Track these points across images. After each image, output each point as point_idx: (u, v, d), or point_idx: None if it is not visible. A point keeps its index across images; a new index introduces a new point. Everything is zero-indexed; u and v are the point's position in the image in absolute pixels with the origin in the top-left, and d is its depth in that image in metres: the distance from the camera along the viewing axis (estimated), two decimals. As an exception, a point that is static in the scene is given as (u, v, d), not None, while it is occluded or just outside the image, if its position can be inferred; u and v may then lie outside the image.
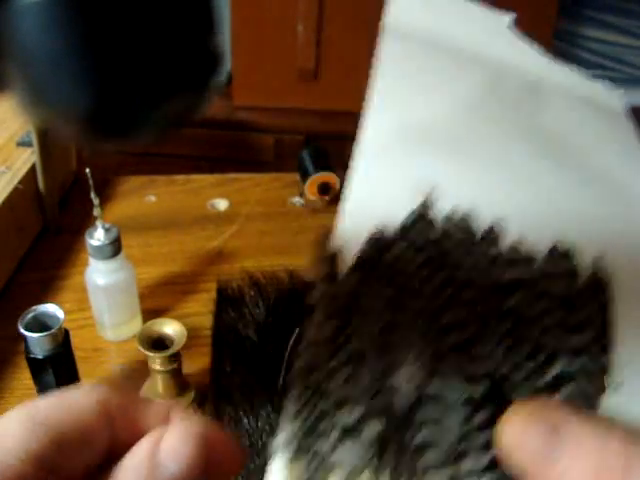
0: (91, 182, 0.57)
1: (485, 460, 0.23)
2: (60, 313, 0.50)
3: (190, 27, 0.24)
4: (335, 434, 0.25)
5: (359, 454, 0.24)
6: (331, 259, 0.29)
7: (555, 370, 0.24)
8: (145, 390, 0.58)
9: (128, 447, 0.22)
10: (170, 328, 0.54)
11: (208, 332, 0.66)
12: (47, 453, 0.20)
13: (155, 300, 0.70)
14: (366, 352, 0.26)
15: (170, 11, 0.23)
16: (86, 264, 0.62)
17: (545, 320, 0.25)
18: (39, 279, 0.72)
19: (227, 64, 1.34)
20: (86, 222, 0.72)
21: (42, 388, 0.52)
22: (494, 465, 0.23)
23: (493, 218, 0.27)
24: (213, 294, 0.70)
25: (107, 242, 0.59)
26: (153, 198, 0.89)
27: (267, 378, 0.57)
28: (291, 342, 0.59)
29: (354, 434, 0.25)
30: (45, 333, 0.48)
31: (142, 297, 0.67)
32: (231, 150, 1.38)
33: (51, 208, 0.78)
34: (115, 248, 0.60)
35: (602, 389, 0.24)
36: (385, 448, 0.24)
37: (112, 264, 0.60)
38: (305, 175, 0.87)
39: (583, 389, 0.24)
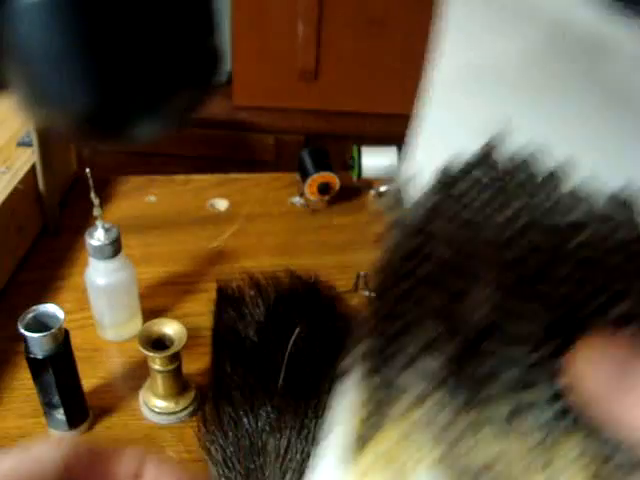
0: (91, 182, 0.57)
1: (550, 391, 0.23)
2: (60, 313, 0.50)
3: (190, 26, 0.24)
4: (403, 358, 0.25)
5: (426, 379, 0.24)
6: (399, 193, 0.29)
7: (624, 307, 0.24)
8: (145, 390, 0.58)
9: None
10: (170, 328, 0.54)
11: (208, 332, 0.66)
12: None
13: (155, 300, 0.70)
14: (437, 277, 0.26)
15: (170, 10, 0.23)
16: (86, 264, 0.62)
17: (609, 261, 0.25)
18: (39, 279, 0.72)
19: (227, 64, 1.34)
20: (86, 222, 0.72)
21: (42, 388, 0.52)
22: (559, 397, 0.23)
23: (558, 160, 0.28)
24: (213, 294, 0.70)
25: (107, 242, 0.59)
26: (153, 198, 0.89)
27: (267, 378, 0.57)
28: (291, 342, 0.59)
29: (422, 359, 0.25)
30: (45, 333, 0.48)
31: (142, 297, 0.67)
32: (231, 150, 1.38)
33: (51, 208, 0.78)
34: (115, 248, 0.60)
35: None
36: (452, 375, 0.24)
37: (112, 264, 0.60)
38: (305, 175, 0.87)
39: None
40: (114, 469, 0.23)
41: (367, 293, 0.73)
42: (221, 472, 0.52)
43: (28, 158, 0.75)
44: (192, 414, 0.57)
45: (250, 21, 1.29)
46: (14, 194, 0.70)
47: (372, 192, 0.91)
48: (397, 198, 0.29)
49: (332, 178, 0.86)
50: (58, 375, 0.51)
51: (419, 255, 0.27)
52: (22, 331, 0.48)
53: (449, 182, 0.28)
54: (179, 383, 0.56)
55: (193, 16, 0.24)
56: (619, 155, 0.29)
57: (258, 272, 0.73)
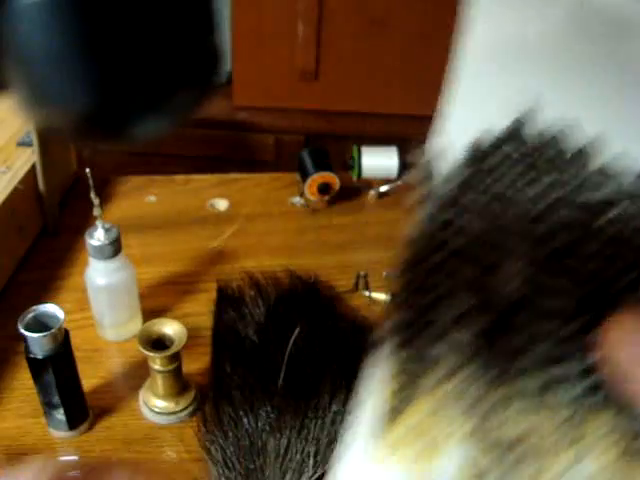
0: (91, 182, 0.57)
1: (581, 367, 0.23)
2: (60, 313, 0.50)
3: (190, 26, 0.24)
4: (434, 330, 0.25)
5: (457, 352, 0.24)
6: (430, 165, 0.29)
7: None
8: (145, 390, 0.58)
9: None
10: (170, 328, 0.54)
11: (208, 332, 0.66)
12: None
13: (155, 300, 0.70)
14: (469, 250, 0.26)
15: (170, 10, 0.23)
16: (86, 264, 0.62)
17: (639, 239, 0.25)
18: (39, 279, 0.72)
19: (227, 64, 1.34)
20: (86, 222, 0.72)
21: (42, 388, 0.52)
22: (589, 372, 0.23)
23: (587, 137, 0.28)
24: (213, 294, 0.70)
25: (107, 242, 0.59)
26: (153, 198, 0.89)
27: (267, 378, 0.57)
28: (291, 342, 0.59)
29: (453, 331, 0.25)
30: (45, 333, 0.48)
31: (142, 297, 0.67)
32: (231, 150, 1.38)
33: (51, 208, 0.78)
34: (115, 248, 0.60)
35: None
36: (483, 348, 0.24)
37: (112, 264, 0.60)
38: (305, 175, 0.87)
39: None
40: None
41: (367, 293, 0.73)
42: (221, 472, 0.52)
43: (28, 158, 0.75)
44: (192, 414, 0.57)
45: (250, 21, 1.29)
46: (14, 194, 0.70)
47: (372, 192, 0.91)
48: (428, 171, 0.29)
49: (332, 178, 0.86)
50: (58, 375, 0.51)
51: (451, 228, 0.27)
52: (22, 331, 0.48)
53: (480, 156, 0.28)
54: (179, 383, 0.56)
55: (193, 16, 0.24)
56: None
57: (258, 272, 0.73)
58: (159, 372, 0.54)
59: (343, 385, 0.56)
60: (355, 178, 0.89)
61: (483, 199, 0.27)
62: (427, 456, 0.24)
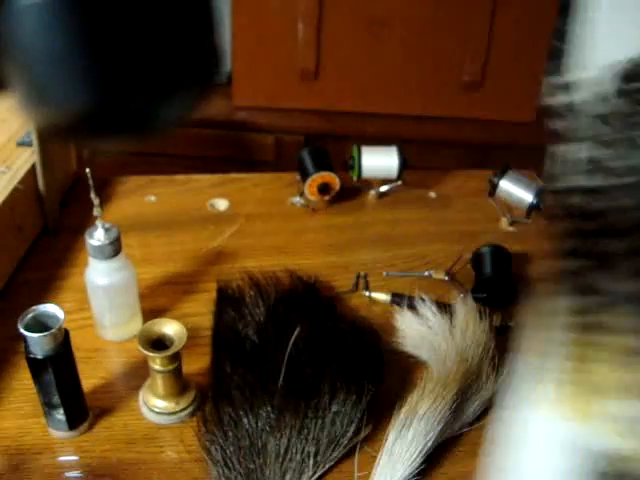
0: (91, 182, 0.57)
1: None
2: (60, 313, 0.50)
3: (190, 26, 0.24)
4: (614, 284, 0.24)
5: (629, 321, 0.23)
6: (571, 91, 0.28)
7: None
8: (145, 390, 0.58)
9: None
10: (170, 328, 0.54)
11: (208, 332, 0.66)
12: None
13: (155, 300, 0.70)
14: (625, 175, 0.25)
15: (170, 10, 0.23)
16: (86, 264, 0.62)
17: None
18: (39, 279, 0.72)
19: (227, 64, 1.34)
20: (86, 222, 0.72)
21: (42, 388, 0.52)
22: None
23: None
24: (213, 294, 0.70)
25: (107, 242, 0.59)
26: (153, 198, 0.89)
27: (267, 378, 0.57)
28: (291, 342, 0.59)
29: (634, 285, 0.24)
30: (45, 333, 0.48)
31: (142, 297, 0.67)
32: (231, 150, 1.38)
33: (51, 208, 0.78)
34: (115, 248, 0.60)
35: None
36: None
37: (112, 264, 0.60)
38: (305, 175, 0.87)
39: None
40: None
41: (367, 293, 0.73)
42: (221, 472, 0.52)
43: (28, 158, 0.76)
44: (192, 414, 0.57)
45: (250, 21, 1.29)
46: (14, 194, 0.70)
47: (372, 192, 0.91)
48: (571, 104, 0.28)
49: (332, 178, 0.86)
50: (58, 375, 0.51)
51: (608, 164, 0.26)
52: (22, 331, 0.48)
53: (628, 86, 0.27)
54: (179, 383, 0.56)
55: (193, 15, 0.24)
56: None
57: (258, 272, 0.73)
58: (159, 372, 0.54)
59: (343, 385, 0.56)
60: (355, 178, 0.89)
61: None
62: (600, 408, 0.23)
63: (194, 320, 0.67)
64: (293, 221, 0.86)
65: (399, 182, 0.90)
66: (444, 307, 0.67)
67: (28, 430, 0.56)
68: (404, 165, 0.88)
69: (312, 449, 0.53)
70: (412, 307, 0.69)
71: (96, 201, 0.58)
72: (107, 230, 0.59)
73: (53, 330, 0.49)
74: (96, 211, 0.58)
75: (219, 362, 0.61)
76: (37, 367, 0.50)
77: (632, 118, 0.26)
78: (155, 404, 0.57)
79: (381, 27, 1.28)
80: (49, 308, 0.50)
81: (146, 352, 0.53)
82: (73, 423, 0.54)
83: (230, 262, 0.77)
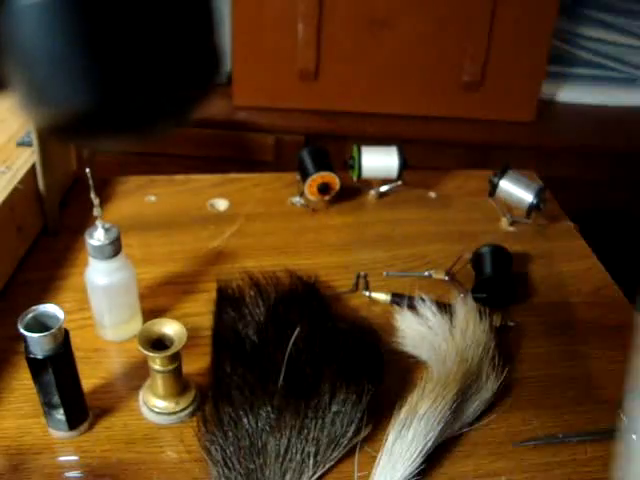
0: (91, 182, 0.57)
1: None
2: (60, 313, 0.50)
3: (190, 26, 0.24)
4: None
5: None
6: None
7: None
8: (145, 390, 0.58)
9: None
10: (170, 328, 0.54)
11: (208, 332, 0.66)
12: None
13: (155, 300, 0.70)
14: None
15: (170, 10, 0.23)
16: (86, 264, 0.62)
17: None
18: (39, 279, 0.72)
19: (227, 64, 1.34)
20: (86, 222, 0.72)
21: (42, 388, 0.52)
22: None
23: None
24: (213, 294, 0.70)
25: (107, 242, 0.59)
26: (153, 198, 0.89)
27: (267, 378, 0.57)
28: (291, 342, 0.59)
29: None
30: (45, 333, 0.48)
31: (142, 297, 0.67)
32: (231, 150, 1.38)
33: (51, 208, 0.78)
34: (115, 248, 0.60)
35: None
36: None
37: (112, 264, 0.60)
38: (305, 175, 0.87)
39: None
40: None
41: (367, 293, 0.73)
42: (221, 472, 0.52)
43: (28, 158, 0.76)
44: (192, 414, 0.57)
45: (250, 21, 1.28)
46: (14, 194, 0.70)
47: (372, 192, 0.91)
48: None
49: (332, 178, 0.86)
50: (58, 375, 0.51)
51: None
52: (22, 331, 0.48)
53: None
54: (179, 383, 0.56)
55: (193, 16, 0.24)
56: None
57: (258, 272, 0.73)
58: (159, 372, 0.54)
59: (343, 385, 0.56)
60: (355, 178, 0.89)
61: None
62: None
63: (194, 320, 0.67)
64: (293, 221, 0.86)
65: (399, 182, 0.90)
66: (444, 307, 0.67)
67: (28, 430, 0.56)
68: (404, 165, 0.88)
69: (312, 449, 0.53)
70: (412, 307, 0.69)
71: (96, 201, 0.58)
72: (107, 230, 0.59)
73: (53, 330, 0.49)
74: (96, 211, 0.58)
75: (219, 362, 0.61)
76: (37, 367, 0.50)
77: None
78: (155, 404, 0.57)
79: (381, 27, 1.28)
80: (49, 308, 0.50)
81: (146, 352, 0.53)
82: (73, 423, 0.54)
83: (230, 262, 0.77)
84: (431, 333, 0.64)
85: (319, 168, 0.86)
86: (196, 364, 0.62)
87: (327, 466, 0.53)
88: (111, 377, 0.61)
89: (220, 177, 0.95)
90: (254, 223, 0.85)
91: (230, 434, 0.54)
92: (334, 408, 0.55)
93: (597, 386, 0.63)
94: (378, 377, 0.59)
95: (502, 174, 0.86)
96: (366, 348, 0.62)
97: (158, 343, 0.54)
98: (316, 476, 0.52)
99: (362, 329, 0.65)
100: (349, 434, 0.54)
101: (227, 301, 0.69)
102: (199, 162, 1.36)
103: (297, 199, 0.89)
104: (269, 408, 0.55)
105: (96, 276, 0.61)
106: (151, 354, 0.53)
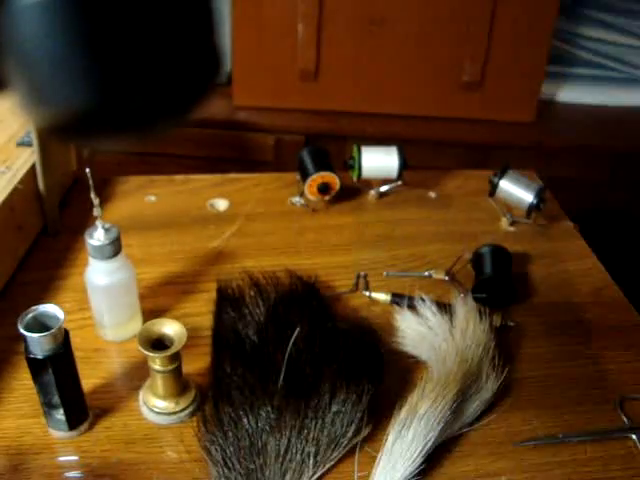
0: (91, 182, 0.57)
1: None
2: (60, 313, 0.50)
3: (190, 26, 0.24)
4: None
5: None
6: None
7: None
8: (145, 390, 0.58)
9: None
10: (170, 328, 0.54)
11: (208, 332, 0.66)
12: None
13: (155, 300, 0.70)
14: None
15: (170, 10, 0.23)
16: (86, 264, 0.62)
17: None
18: (39, 279, 0.72)
19: (227, 64, 1.34)
20: (86, 222, 0.72)
21: (42, 388, 0.52)
22: None
23: None
24: (213, 294, 0.70)
25: (107, 242, 0.59)
26: (153, 198, 0.89)
27: (267, 378, 0.57)
28: (291, 342, 0.59)
29: None
30: (45, 333, 0.48)
31: (142, 297, 0.67)
32: (231, 150, 1.38)
33: (51, 208, 0.78)
34: (115, 248, 0.60)
35: None
36: None
37: (112, 264, 0.60)
38: (305, 175, 0.87)
39: None
40: None
41: (367, 293, 0.73)
42: (221, 472, 0.52)
43: (28, 158, 0.76)
44: (192, 414, 0.57)
45: (250, 21, 1.29)
46: (14, 194, 0.70)
47: (372, 192, 0.91)
48: None
49: (332, 178, 0.86)
50: (58, 375, 0.51)
51: None
52: (22, 331, 0.48)
53: None
54: (179, 383, 0.56)
55: (193, 16, 0.24)
56: None
57: (258, 272, 0.73)
58: (159, 372, 0.54)
59: (343, 385, 0.56)
60: (355, 178, 0.89)
61: None
62: None
63: (194, 320, 0.67)
64: (293, 221, 0.86)
65: (399, 182, 0.90)
66: (444, 307, 0.67)
67: (28, 430, 0.56)
68: (404, 165, 0.88)
69: (312, 449, 0.53)
70: (412, 307, 0.69)
71: (96, 201, 0.58)
72: (107, 230, 0.59)
73: (53, 330, 0.49)
74: (96, 211, 0.58)
75: (219, 362, 0.61)
76: (37, 367, 0.50)
77: None
78: (155, 404, 0.57)
79: (381, 27, 1.28)
80: (49, 308, 0.50)
81: (146, 352, 0.53)
82: (73, 423, 0.54)
83: (230, 262, 0.77)
84: (431, 333, 0.64)
85: (319, 168, 0.86)
86: (196, 364, 0.62)
87: (327, 466, 0.53)
88: (111, 377, 0.61)
89: (220, 177, 0.95)
90: (254, 223, 0.85)
91: (230, 434, 0.54)
92: (334, 408, 0.55)
93: (597, 386, 0.63)
94: (378, 377, 0.59)
95: (502, 174, 0.86)
96: (366, 348, 0.62)
97: (158, 343, 0.54)
98: (316, 476, 0.52)
99: (362, 329, 0.65)
100: (349, 434, 0.54)
101: (227, 301, 0.69)
102: (199, 162, 1.36)
103: (297, 199, 0.89)
104: (269, 408, 0.55)
105: (96, 276, 0.61)
106: (151, 354, 0.53)
